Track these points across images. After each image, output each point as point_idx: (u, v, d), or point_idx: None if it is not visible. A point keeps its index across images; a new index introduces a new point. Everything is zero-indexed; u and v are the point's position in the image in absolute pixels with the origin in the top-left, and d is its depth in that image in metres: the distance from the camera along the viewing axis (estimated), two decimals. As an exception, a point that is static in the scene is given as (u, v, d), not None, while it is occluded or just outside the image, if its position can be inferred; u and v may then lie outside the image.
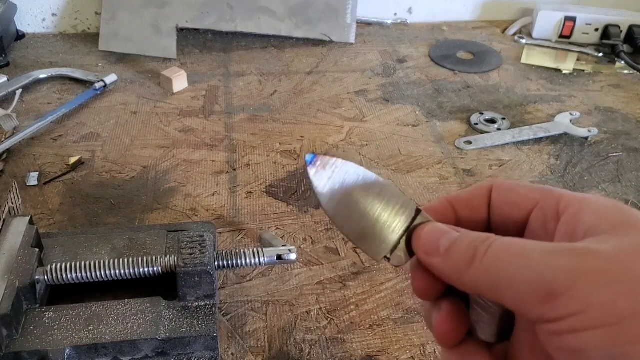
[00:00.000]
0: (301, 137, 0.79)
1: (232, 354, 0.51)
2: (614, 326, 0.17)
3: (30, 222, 0.52)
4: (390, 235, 0.25)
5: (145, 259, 0.49)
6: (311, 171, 0.25)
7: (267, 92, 0.89)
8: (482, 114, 0.85)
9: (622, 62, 1.00)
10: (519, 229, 0.25)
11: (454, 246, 0.23)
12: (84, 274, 0.49)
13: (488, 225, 0.26)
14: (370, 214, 0.25)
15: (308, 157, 0.25)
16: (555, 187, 0.25)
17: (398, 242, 0.25)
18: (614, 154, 0.78)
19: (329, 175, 0.25)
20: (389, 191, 0.25)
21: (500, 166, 0.75)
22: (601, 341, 0.17)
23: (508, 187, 0.26)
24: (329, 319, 0.54)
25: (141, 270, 0.49)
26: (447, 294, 0.25)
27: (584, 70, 0.98)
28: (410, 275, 0.26)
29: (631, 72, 0.98)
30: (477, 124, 0.83)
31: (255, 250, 0.51)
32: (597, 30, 1.04)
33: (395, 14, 1.12)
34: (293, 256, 0.52)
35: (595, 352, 0.18)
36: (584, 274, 0.18)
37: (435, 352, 0.51)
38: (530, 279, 0.19)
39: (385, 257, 0.25)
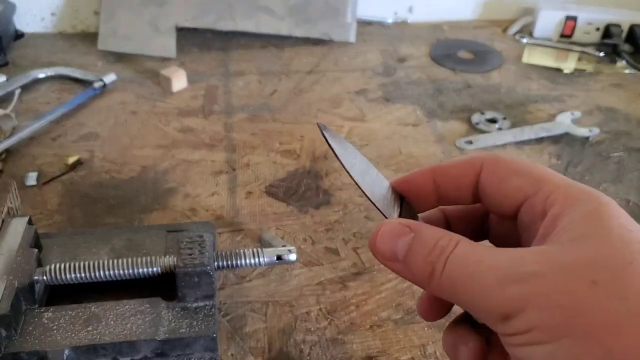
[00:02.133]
0: (301, 136, 0.79)
1: (232, 354, 0.50)
2: (553, 344, 0.20)
3: (29, 222, 0.52)
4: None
5: (144, 259, 0.49)
6: (327, 133, 0.26)
7: (267, 91, 0.89)
8: (483, 113, 0.84)
9: (623, 62, 1.00)
10: (510, 216, 0.25)
11: (411, 255, 0.23)
12: (83, 275, 0.48)
13: (473, 199, 0.26)
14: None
15: (321, 124, 0.26)
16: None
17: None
18: (615, 154, 0.78)
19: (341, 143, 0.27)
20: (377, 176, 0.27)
21: (501, 166, 0.75)
22: (544, 355, 0.20)
23: (500, 175, 0.25)
24: (329, 320, 0.54)
25: (140, 270, 0.49)
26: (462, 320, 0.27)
27: (585, 70, 0.98)
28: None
29: (632, 71, 0.98)
30: (478, 123, 0.82)
31: (255, 250, 0.51)
32: (598, 29, 1.04)
33: (396, 13, 1.12)
34: (293, 256, 0.51)
35: None
36: (530, 301, 0.20)
37: (435, 352, 0.51)
38: (486, 304, 0.21)
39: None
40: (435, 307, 0.27)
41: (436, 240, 0.23)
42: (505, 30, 1.11)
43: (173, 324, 0.46)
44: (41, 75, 0.88)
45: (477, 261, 0.22)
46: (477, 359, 0.26)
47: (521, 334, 0.20)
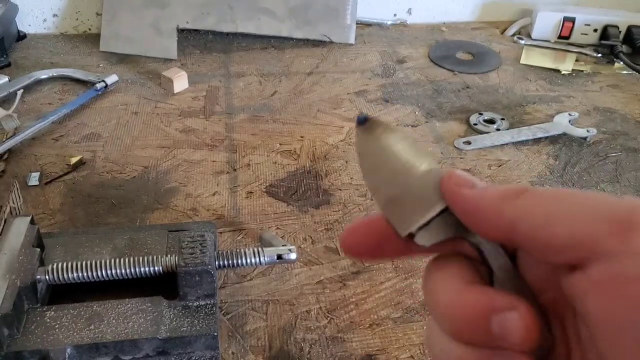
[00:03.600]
0: (301, 137, 0.79)
1: (233, 353, 0.51)
2: None
3: (32, 222, 0.52)
4: (424, 213, 0.23)
5: (146, 258, 0.50)
6: (359, 131, 0.24)
7: (267, 92, 0.89)
8: (481, 114, 0.85)
9: (621, 63, 1.00)
10: None
11: (490, 186, 0.20)
12: (85, 274, 0.49)
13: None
14: (408, 185, 0.23)
15: (360, 117, 0.24)
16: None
17: (429, 222, 0.23)
18: (613, 154, 0.78)
19: (375, 140, 0.24)
20: (434, 169, 0.23)
21: (499, 166, 0.75)
22: None
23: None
24: (328, 318, 0.54)
25: (142, 269, 0.49)
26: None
27: (582, 71, 0.98)
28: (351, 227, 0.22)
29: (630, 72, 0.98)
30: (476, 124, 0.83)
31: (255, 249, 0.52)
32: (595, 30, 1.05)
33: (395, 15, 1.13)
34: (293, 256, 0.52)
35: None
36: None
37: (434, 351, 0.51)
38: (600, 209, 0.16)
39: (411, 233, 0.23)
40: (376, 238, 0.22)
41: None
42: (503, 31, 1.11)
43: (174, 323, 0.47)
44: (43, 76, 0.88)
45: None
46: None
47: None
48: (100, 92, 0.86)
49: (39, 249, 0.50)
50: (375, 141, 0.24)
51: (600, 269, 0.16)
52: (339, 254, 0.61)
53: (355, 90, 0.91)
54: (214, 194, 0.68)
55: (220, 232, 0.63)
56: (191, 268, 0.47)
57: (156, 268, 0.49)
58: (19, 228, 0.51)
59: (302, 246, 0.61)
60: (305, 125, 0.82)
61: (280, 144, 0.78)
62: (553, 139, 0.80)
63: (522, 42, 1.07)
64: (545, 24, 1.06)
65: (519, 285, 0.22)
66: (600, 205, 0.17)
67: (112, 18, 0.98)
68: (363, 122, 0.24)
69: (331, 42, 1.03)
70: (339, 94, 0.90)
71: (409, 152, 0.24)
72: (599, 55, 1.02)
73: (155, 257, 0.50)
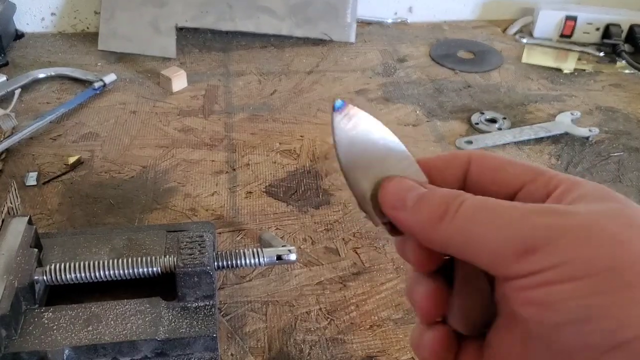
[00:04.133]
0: (301, 136, 0.79)
1: (232, 354, 0.50)
2: (588, 279, 0.18)
3: (29, 222, 0.52)
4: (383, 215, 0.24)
5: (144, 259, 0.49)
6: (336, 117, 0.24)
7: (267, 91, 0.89)
8: (482, 113, 0.84)
9: (623, 62, 1.00)
10: None
11: (422, 201, 0.22)
12: (83, 274, 0.49)
13: None
14: (377, 183, 0.24)
15: (337, 102, 0.24)
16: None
17: None
18: (615, 154, 0.78)
19: (352, 127, 0.24)
20: (407, 160, 0.25)
21: (501, 166, 0.75)
22: (574, 293, 0.18)
23: (493, 165, 0.24)
24: (329, 320, 0.54)
25: (140, 270, 0.49)
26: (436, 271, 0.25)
27: (585, 70, 0.98)
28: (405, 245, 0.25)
29: (632, 71, 0.98)
30: (477, 123, 0.82)
31: (255, 250, 0.51)
32: (598, 29, 1.04)
33: (396, 13, 1.12)
34: (293, 256, 0.52)
35: (567, 303, 0.18)
36: (563, 231, 0.19)
37: (435, 352, 0.51)
38: (507, 235, 0.19)
39: (385, 223, 0.24)
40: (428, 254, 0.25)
41: (452, 190, 0.22)
42: (505, 30, 1.11)
43: (173, 324, 0.47)
44: (41, 75, 0.88)
45: (499, 201, 0.21)
46: (432, 302, 0.24)
47: (544, 271, 0.18)
48: (98, 91, 0.86)
49: (36, 250, 0.50)
50: (352, 129, 0.24)
51: (509, 285, 0.20)
52: (339, 255, 0.60)
53: (355, 89, 0.90)
54: (213, 194, 0.68)
55: (220, 233, 0.62)
56: (190, 269, 0.47)
57: (155, 269, 0.49)
58: (17, 228, 0.51)
59: (301, 247, 0.61)
60: (305, 124, 0.81)
61: (280, 144, 0.77)
62: (555, 139, 0.80)
63: (524, 40, 1.06)
64: (547, 23, 1.05)
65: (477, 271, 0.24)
66: (512, 225, 0.19)
67: (110, 17, 0.97)
68: (341, 108, 0.24)
69: (331, 41, 1.03)
70: (339, 93, 0.89)
71: (385, 140, 0.25)
72: (601, 54, 1.02)
73: (153, 257, 0.50)
